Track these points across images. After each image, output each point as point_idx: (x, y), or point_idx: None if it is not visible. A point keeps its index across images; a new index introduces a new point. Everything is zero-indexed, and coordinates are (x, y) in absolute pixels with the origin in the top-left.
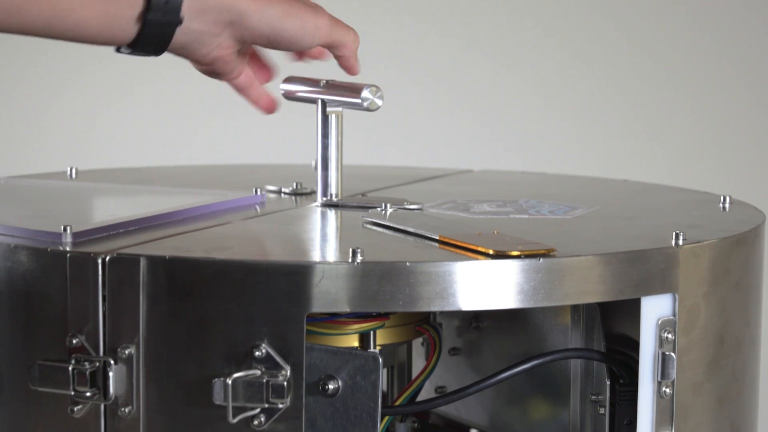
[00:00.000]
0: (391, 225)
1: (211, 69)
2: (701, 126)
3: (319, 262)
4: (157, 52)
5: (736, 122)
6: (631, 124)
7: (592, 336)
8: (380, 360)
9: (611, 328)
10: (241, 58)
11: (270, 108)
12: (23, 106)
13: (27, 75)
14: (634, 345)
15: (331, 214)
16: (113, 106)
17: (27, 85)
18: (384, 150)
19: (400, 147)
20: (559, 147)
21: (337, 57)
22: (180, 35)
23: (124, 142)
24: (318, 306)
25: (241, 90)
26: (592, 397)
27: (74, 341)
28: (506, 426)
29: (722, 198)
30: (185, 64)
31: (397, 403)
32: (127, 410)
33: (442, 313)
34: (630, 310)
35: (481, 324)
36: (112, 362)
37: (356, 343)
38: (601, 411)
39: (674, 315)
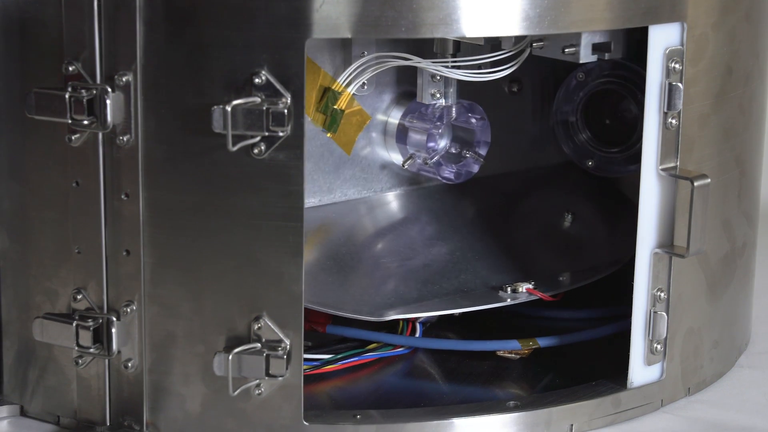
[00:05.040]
0: None
1: None
2: None
3: None
4: None
5: None
6: None
7: None
8: None
9: None
10: None
11: None
12: None
13: None
14: None
15: None
16: None
17: None
18: None
19: None
20: None
21: None
22: None
23: None
24: (319, 32)
25: None
26: None
27: (70, 68)
28: None
29: None
30: None
31: None
32: (125, 139)
33: None
34: None
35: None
36: (109, 90)
37: None
38: None
39: (682, 44)
